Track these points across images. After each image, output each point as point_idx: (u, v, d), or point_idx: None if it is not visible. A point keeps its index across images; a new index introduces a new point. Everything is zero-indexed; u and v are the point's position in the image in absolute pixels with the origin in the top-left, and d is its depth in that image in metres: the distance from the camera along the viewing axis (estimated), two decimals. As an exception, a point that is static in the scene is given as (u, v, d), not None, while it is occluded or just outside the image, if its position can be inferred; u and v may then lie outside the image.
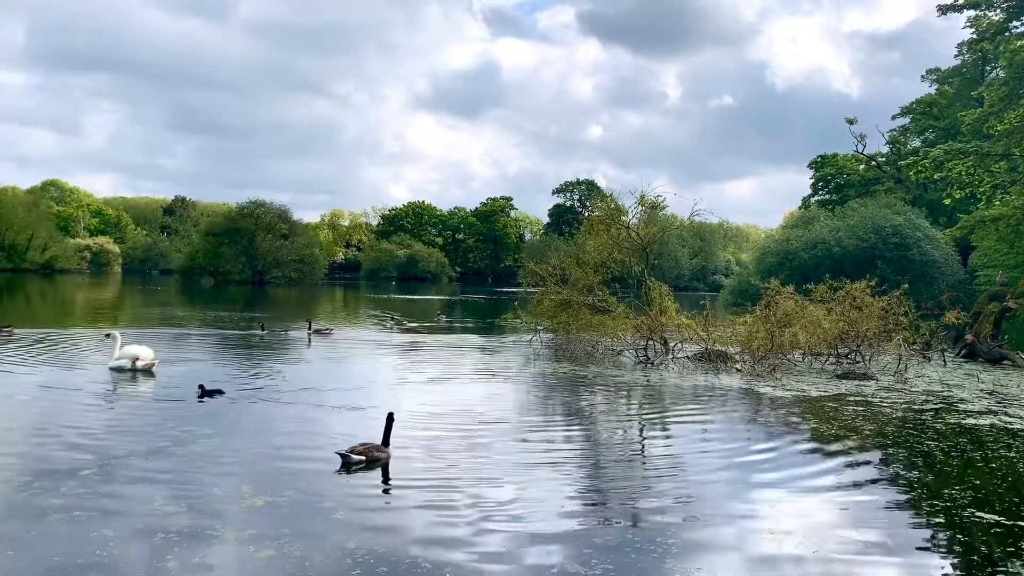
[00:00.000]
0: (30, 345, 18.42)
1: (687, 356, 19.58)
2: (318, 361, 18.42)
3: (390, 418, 8.86)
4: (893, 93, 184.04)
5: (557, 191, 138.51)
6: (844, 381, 16.27)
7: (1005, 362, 20.50)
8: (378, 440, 8.66)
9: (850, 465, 9.02)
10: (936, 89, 60.23)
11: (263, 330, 23.61)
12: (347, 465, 8.15)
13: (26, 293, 51.88)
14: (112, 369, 14.63)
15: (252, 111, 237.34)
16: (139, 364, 14.63)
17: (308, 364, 17.80)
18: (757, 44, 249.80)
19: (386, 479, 7.95)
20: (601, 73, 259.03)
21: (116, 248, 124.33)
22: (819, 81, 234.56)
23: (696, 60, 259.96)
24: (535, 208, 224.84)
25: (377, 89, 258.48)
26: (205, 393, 12.17)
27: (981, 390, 15.33)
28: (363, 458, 8.23)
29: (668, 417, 12.49)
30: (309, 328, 23.83)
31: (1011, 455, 9.64)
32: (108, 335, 15.89)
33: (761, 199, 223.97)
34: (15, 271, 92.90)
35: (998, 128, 32.91)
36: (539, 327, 23.40)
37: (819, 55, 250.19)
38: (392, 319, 30.69)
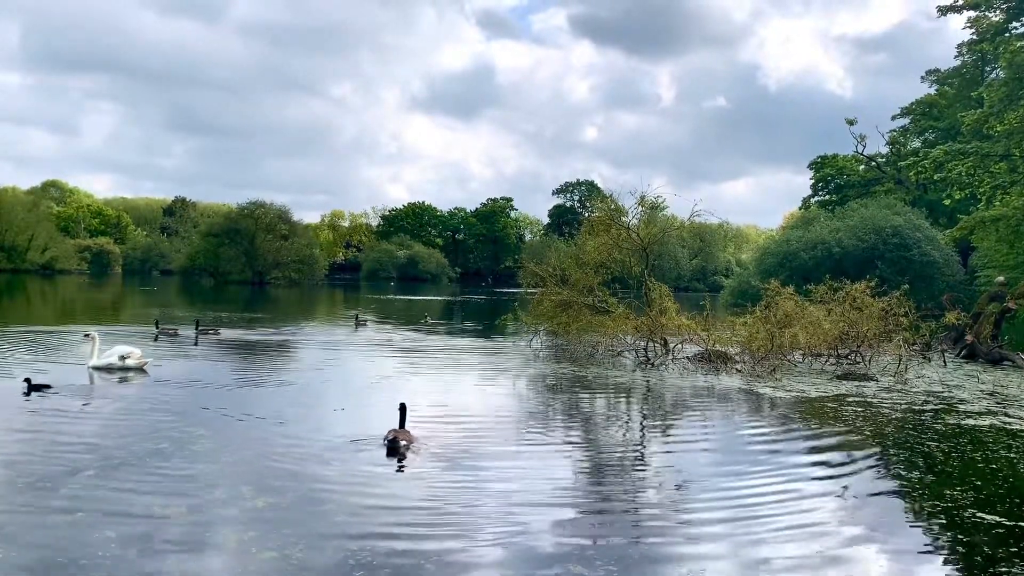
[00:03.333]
0: (26, 345, 18.42)
1: (687, 357, 19.57)
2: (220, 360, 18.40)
3: (403, 408, 9.17)
4: (885, 94, 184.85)
5: (557, 192, 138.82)
6: (844, 382, 16.27)
7: (1005, 363, 20.49)
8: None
9: (850, 466, 9.02)
10: (936, 90, 60.14)
11: (157, 328, 23.24)
12: (393, 451, 8.56)
13: (26, 293, 51.85)
14: (98, 368, 14.48)
15: (249, 112, 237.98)
16: (130, 362, 14.58)
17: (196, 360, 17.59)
18: (749, 46, 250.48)
19: (386, 478, 7.95)
20: (595, 75, 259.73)
21: (116, 249, 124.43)
22: (811, 82, 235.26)
23: (689, 61, 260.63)
24: (532, 208, 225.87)
25: (373, 90, 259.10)
26: (32, 388, 11.85)
27: (981, 391, 15.32)
28: (406, 442, 8.58)
29: (668, 418, 12.49)
30: (197, 327, 23.43)
31: (1011, 456, 9.64)
32: (87, 335, 15.78)
33: (757, 199, 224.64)
34: (15, 271, 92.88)
35: (998, 129, 32.92)
36: (539, 328, 23.39)
37: (811, 57, 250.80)
38: (356, 318, 30.21)
